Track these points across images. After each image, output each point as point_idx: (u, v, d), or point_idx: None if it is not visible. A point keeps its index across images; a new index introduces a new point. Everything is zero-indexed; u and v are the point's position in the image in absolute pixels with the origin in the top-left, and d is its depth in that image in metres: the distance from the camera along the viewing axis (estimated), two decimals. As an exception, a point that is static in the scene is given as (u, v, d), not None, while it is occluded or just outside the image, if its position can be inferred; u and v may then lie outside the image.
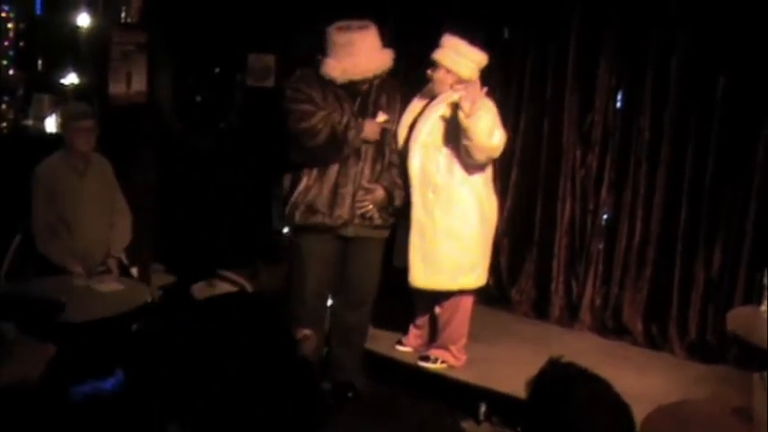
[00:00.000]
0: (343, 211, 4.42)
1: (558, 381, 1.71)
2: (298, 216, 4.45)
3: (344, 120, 4.34)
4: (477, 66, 4.59)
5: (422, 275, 4.63)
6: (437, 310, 4.83)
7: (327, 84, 4.38)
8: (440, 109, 4.57)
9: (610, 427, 1.67)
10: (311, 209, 4.42)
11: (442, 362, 4.78)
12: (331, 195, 4.40)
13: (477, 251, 4.66)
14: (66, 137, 4.67)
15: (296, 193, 4.45)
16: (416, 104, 4.67)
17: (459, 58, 4.55)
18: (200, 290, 5.27)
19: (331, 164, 4.40)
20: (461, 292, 4.71)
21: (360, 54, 4.35)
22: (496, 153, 4.55)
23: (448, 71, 4.55)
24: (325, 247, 4.48)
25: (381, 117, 4.45)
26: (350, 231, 4.48)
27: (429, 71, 4.60)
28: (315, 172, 4.42)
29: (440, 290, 4.69)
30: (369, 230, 4.51)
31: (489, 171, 4.69)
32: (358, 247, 4.53)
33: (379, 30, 4.44)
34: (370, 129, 4.40)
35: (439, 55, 4.57)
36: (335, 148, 4.35)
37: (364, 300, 4.64)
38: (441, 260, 4.60)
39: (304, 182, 4.43)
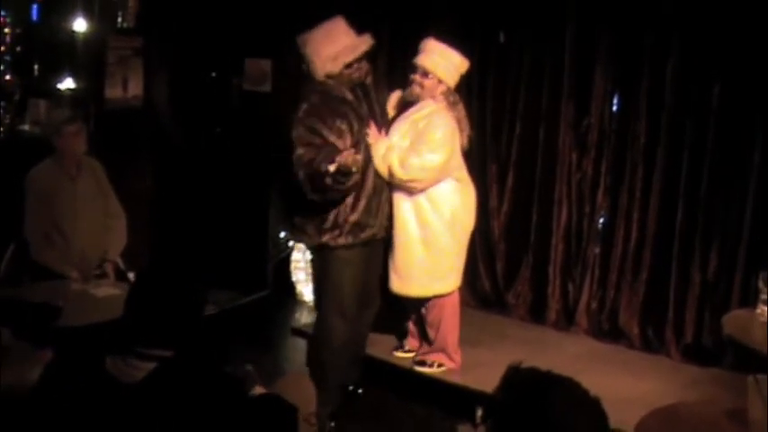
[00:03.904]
0: (383, 217, 4.41)
1: (530, 385, 1.72)
2: (343, 239, 4.29)
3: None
4: (458, 71, 4.52)
5: (396, 282, 4.58)
6: (423, 311, 4.73)
7: (340, 102, 4.25)
8: (415, 114, 4.46)
9: (587, 424, 1.69)
10: (360, 226, 4.31)
11: (439, 365, 4.76)
12: (374, 205, 4.35)
13: (450, 258, 4.57)
14: (59, 144, 4.68)
15: (334, 215, 4.26)
16: (397, 101, 4.60)
17: (448, 65, 4.46)
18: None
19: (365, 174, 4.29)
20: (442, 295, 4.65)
21: (340, 36, 4.27)
22: (415, 182, 4.36)
23: (440, 81, 4.44)
24: (361, 254, 4.40)
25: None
26: (381, 233, 4.46)
27: (417, 76, 4.46)
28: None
29: (414, 297, 4.63)
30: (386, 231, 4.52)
31: (461, 175, 4.57)
32: (378, 248, 4.52)
33: (374, 35, 4.41)
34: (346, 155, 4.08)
35: (429, 63, 4.44)
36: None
37: (378, 302, 4.63)
38: (412, 268, 4.53)
39: (346, 201, 4.26)
